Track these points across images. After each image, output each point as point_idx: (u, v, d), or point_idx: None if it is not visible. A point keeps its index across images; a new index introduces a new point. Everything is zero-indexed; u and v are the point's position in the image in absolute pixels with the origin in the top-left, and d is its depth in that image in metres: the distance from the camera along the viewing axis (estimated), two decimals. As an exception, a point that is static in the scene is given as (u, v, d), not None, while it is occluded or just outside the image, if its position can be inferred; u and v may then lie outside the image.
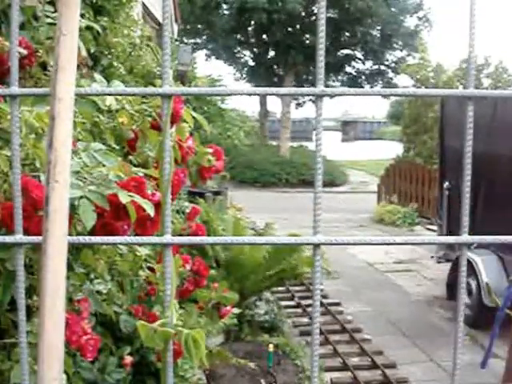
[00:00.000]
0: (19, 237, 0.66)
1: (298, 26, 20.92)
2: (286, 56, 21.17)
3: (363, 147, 39.30)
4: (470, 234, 0.68)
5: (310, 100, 24.29)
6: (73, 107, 0.62)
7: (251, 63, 23.98)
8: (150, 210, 1.31)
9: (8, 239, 0.68)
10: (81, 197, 1.27)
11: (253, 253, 5.88)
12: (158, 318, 0.70)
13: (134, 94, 1.60)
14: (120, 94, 1.60)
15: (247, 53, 23.83)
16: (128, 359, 2.20)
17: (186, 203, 5.02)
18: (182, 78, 7.57)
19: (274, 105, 60.25)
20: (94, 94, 1.48)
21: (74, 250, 1.58)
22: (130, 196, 1.30)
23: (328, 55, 17.63)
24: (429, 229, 11.91)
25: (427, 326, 6.89)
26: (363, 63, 23.29)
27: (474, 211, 6.49)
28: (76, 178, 1.32)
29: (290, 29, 20.83)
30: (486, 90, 0.68)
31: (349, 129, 55.21)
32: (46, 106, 1.41)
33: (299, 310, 7.23)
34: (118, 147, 1.74)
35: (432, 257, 8.31)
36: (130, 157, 1.83)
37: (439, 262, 8.05)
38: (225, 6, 21.21)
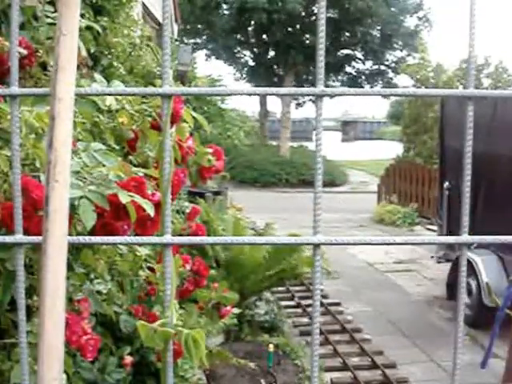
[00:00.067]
0: (19, 237, 0.66)
1: (298, 26, 20.92)
2: (285, 56, 21.17)
3: (363, 147, 39.29)
4: (469, 234, 0.68)
5: (310, 100, 24.29)
6: (73, 107, 0.62)
7: (251, 63, 23.98)
8: (150, 210, 1.31)
9: (8, 239, 0.68)
10: (81, 197, 1.27)
11: (253, 253, 5.88)
12: (158, 318, 0.70)
13: (133, 94, 1.60)
14: (120, 94, 1.60)
15: (247, 53, 23.83)
16: (128, 359, 2.20)
17: (186, 203, 5.01)
18: (182, 78, 7.57)
19: (274, 105, 60.27)
20: (94, 94, 1.48)
21: (74, 249, 1.58)
22: (130, 196, 1.30)
23: (328, 55, 17.63)
24: (429, 229, 11.91)
25: (427, 326, 6.89)
26: (363, 63, 23.30)
27: (474, 211, 6.49)
28: (76, 177, 1.32)
29: (290, 29, 20.83)
30: (486, 90, 0.68)
31: (349, 129, 55.21)
32: (46, 106, 1.41)
33: (299, 310, 7.23)
34: (118, 147, 1.74)
35: (432, 257, 8.31)
36: (130, 157, 1.83)
37: (439, 262, 8.05)
38: (225, 6, 21.21)
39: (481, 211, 6.61)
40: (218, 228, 6.14)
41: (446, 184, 7.73)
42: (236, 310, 2.99)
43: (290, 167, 19.95)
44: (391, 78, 22.93)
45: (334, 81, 23.41)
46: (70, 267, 1.54)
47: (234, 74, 24.64)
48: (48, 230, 0.61)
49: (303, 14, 20.33)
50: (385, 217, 13.29)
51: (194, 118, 1.63)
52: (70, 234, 0.65)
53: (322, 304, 6.94)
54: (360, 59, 23.20)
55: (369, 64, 23.31)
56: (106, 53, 3.95)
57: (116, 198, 1.29)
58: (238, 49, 23.60)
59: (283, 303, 7.30)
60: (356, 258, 9.91)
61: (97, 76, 1.74)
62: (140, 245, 1.95)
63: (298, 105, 25.20)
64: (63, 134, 0.61)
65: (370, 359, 5.80)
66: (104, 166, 1.40)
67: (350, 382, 5.42)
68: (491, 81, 14.89)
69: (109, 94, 1.60)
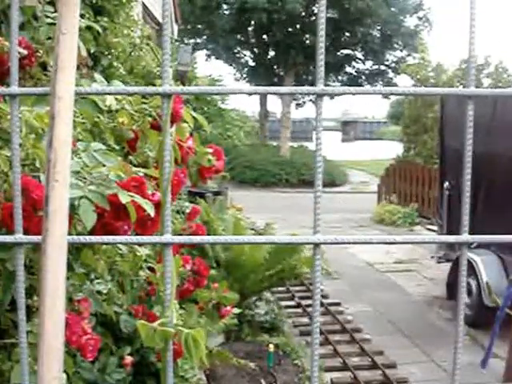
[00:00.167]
0: (19, 236, 0.66)
1: (298, 26, 20.92)
2: (286, 56, 21.17)
3: (363, 147, 39.30)
4: (469, 234, 0.68)
5: (310, 100, 24.30)
6: (72, 106, 0.62)
7: (251, 63, 23.99)
8: (150, 210, 1.31)
9: (8, 239, 0.67)
10: (81, 197, 1.27)
11: (253, 253, 5.88)
12: (158, 318, 0.70)
13: (134, 94, 1.60)
14: (120, 93, 1.60)
15: (247, 53, 23.83)
16: (128, 359, 2.20)
17: (186, 203, 5.01)
18: (182, 78, 7.56)
19: (274, 105, 60.26)
20: (94, 94, 1.48)
21: (75, 249, 1.58)
22: (130, 196, 1.30)
23: (328, 55, 17.63)
24: (429, 229, 11.91)
25: (427, 326, 6.88)
26: (363, 63, 23.31)
27: (474, 211, 6.49)
28: (76, 177, 1.32)
29: (290, 29, 20.83)
30: (485, 89, 0.68)
31: (349, 129, 55.22)
32: (45, 106, 1.41)
33: (299, 310, 7.23)
34: (118, 147, 1.74)
35: (432, 257, 8.31)
36: (130, 157, 1.83)
37: (439, 262, 8.05)
38: (225, 6, 21.21)
39: (481, 211, 6.61)
40: (218, 228, 6.14)
41: (446, 184, 7.73)
42: (236, 310, 2.99)
43: (290, 167, 19.95)
44: (391, 78, 22.93)
45: (334, 81, 23.41)
46: (70, 267, 1.54)
47: (234, 74, 24.67)
48: (48, 230, 0.61)
49: (303, 14, 20.33)
50: (385, 217, 13.29)
51: (194, 118, 1.63)
52: (70, 234, 0.65)
53: (322, 304, 6.94)
54: (360, 59, 23.20)
55: (369, 64, 23.33)
56: (106, 53, 3.95)
57: (116, 198, 1.29)
58: (238, 49, 23.61)
59: (283, 303, 7.30)
60: (356, 257, 9.91)
61: (97, 76, 1.74)
62: (140, 244, 1.95)
63: (298, 105, 25.20)
64: (63, 134, 0.61)
65: (370, 359, 5.80)
66: (104, 166, 1.40)
67: (350, 382, 5.42)
68: (491, 81, 14.89)
69: (109, 94, 1.60)
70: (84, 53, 2.06)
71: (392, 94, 0.72)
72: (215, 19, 20.75)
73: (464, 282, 0.68)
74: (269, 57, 22.82)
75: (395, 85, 22.24)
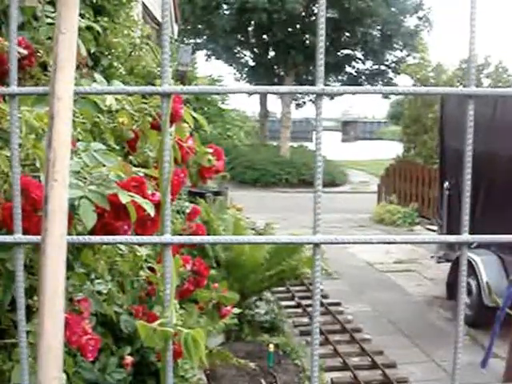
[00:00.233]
0: (18, 236, 0.66)
1: (298, 26, 20.91)
2: (286, 56, 21.17)
3: (363, 147, 39.30)
4: (470, 234, 0.68)
5: (310, 100, 24.29)
6: (72, 106, 0.62)
7: (251, 63, 23.98)
8: (151, 210, 1.31)
9: (8, 239, 0.67)
10: (81, 197, 1.27)
11: (253, 253, 5.88)
12: (158, 318, 0.69)
13: (133, 93, 1.60)
14: (120, 93, 1.60)
15: (247, 53, 23.82)
16: (128, 359, 2.20)
17: (186, 203, 5.01)
18: (182, 78, 7.57)
19: (274, 105, 60.24)
20: (94, 93, 1.48)
21: (75, 249, 1.58)
22: (131, 196, 1.30)
23: (328, 55, 17.62)
24: (429, 229, 11.90)
25: (427, 326, 6.88)
26: (363, 63, 23.29)
27: (474, 211, 6.49)
28: (76, 178, 1.32)
29: (290, 29, 20.82)
30: (486, 89, 0.68)
31: (349, 129, 55.22)
32: (45, 106, 1.40)
33: (299, 310, 7.23)
34: (118, 147, 1.74)
35: (432, 257, 8.31)
36: (130, 157, 1.83)
37: (439, 262, 8.05)
38: (225, 7, 21.20)
39: (480, 211, 6.61)
40: (219, 228, 6.14)
41: (446, 184, 7.73)
42: (236, 310, 2.99)
43: (290, 167, 19.95)
44: (391, 78, 22.92)
45: (334, 81, 23.41)
46: (70, 267, 1.54)
47: (235, 74, 24.66)
48: (47, 230, 0.60)
49: (303, 13, 20.32)
50: (385, 217, 13.29)
51: (194, 118, 1.63)
52: (70, 234, 0.65)
53: (322, 304, 6.94)
54: (360, 59, 23.19)
55: (369, 64, 23.32)
56: (106, 53, 3.95)
57: (116, 198, 1.29)
58: (239, 49, 23.60)
59: (283, 303, 7.30)
60: (356, 257, 9.91)
61: (97, 76, 1.74)
62: (140, 244, 1.95)
63: (298, 105, 25.19)
64: (62, 133, 0.61)
65: (370, 359, 5.80)
66: (104, 166, 1.40)
67: (350, 382, 5.42)
68: (491, 81, 14.89)
69: (109, 93, 1.60)
70: (84, 53, 2.06)
71: (392, 93, 0.71)
72: (215, 19, 20.74)
73: (464, 282, 0.68)
74: (269, 57, 22.82)
75: (395, 85, 22.24)
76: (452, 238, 0.69)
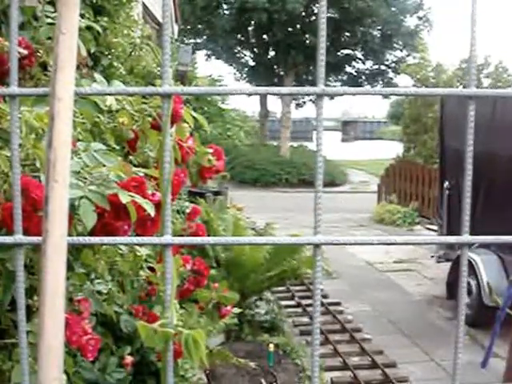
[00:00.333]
0: (18, 237, 0.66)
1: (298, 26, 20.91)
2: (286, 56, 21.17)
3: (363, 147, 39.30)
4: (470, 234, 0.68)
5: (310, 100, 24.30)
6: (72, 107, 0.62)
7: (251, 63, 23.98)
8: (151, 210, 1.31)
9: (8, 239, 0.67)
10: (81, 197, 1.27)
11: (253, 253, 5.88)
12: (158, 318, 0.69)
13: (134, 94, 1.60)
14: (120, 94, 1.60)
15: (247, 53, 23.83)
16: (128, 359, 2.20)
17: (186, 203, 5.01)
18: (182, 78, 7.57)
19: (275, 105, 60.25)
20: (95, 94, 1.48)
21: (75, 250, 1.58)
22: (131, 196, 1.30)
23: (328, 55, 17.58)
24: (429, 228, 11.91)
25: (427, 326, 6.89)
26: (363, 63, 23.30)
27: (474, 211, 6.49)
28: (76, 178, 1.32)
29: (290, 29, 20.82)
30: (487, 89, 0.68)
31: (349, 129, 55.22)
32: (45, 107, 1.40)
33: (299, 310, 7.23)
34: (118, 147, 1.74)
35: (432, 256, 8.31)
36: (131, 157, 1.83)
37: (439, 262, 8.05)
38: (225, 6, 21.20)
39: (481, 211, 6.61)
40: (219, 228, 6.14)
41: (446, 184, 7.73)
42: (236, 310, 2.99)
43: (290, 167, 19.96)
44: (391, 78, 22.92)
45: (334, 81, 23.41)
46: (70, 267, 1.54)
47: (235, 74, 24.66)
48: (47, 231, 0.60)
49: (303, 13, 20.32)
50: (385, 216, 13.29)
51: (194, 118, 1.63)
52: (70, 234, 0.65)
53: (322, 304, 6.94)
54: (360, 59, 23.20)
55: (369, 64, 23.32)
56: (106, 53, 3.95)
57: (116, 198, 1.29)
58: (239, 49, 23.60)
59: (283, 303, 7.30)
60: (356, 257, 9.91)
61: (97, 76, 1.74)
62: (140, 245, 1.95)
63: (298, 105, 25.20)
64: (63, 134, 0.61)
65: (370, 359, 5.80)
66: (104, 166, 1.40)
67: (350, 382, 5.42)
68: (491, 81, 14.89)
69: (109, 94, 1.60)
70: (84, 53, 2.06)
71: (393, 94, 0.71)
72: (215, 19, 20.74)
73: (465, 282, 0.68)
74: (269, 57, 22.82)
75: (395, 85, 22.25)
76: (452, 239, 0.69)
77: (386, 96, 22.71)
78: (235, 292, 2.79)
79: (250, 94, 0.77)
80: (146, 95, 1.62)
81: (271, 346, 5.20)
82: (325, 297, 7.51)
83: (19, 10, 1.88)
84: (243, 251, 5.85)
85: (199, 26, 21.98)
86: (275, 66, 22.92)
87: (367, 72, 23.44)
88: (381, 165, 17.36)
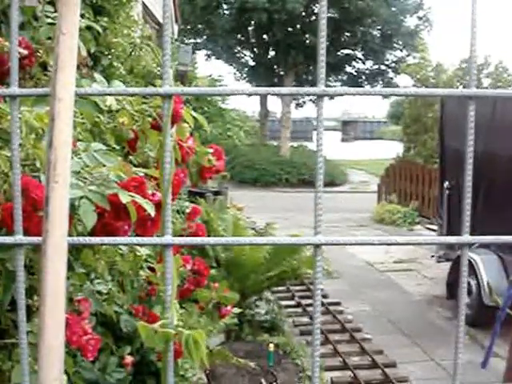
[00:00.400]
0: (19, 237, 0.66)
1: (298, 26, 20.91)
2: (286, 56, 21.16)
3: (363, 147, 39.30)
4: (470, 234, 0.68)
5: (310, 100, 24.29)
6: (73, 107, 0.62)
7: (251, 63, 23.98)
8: (151, 210, 1.31)
9: (8, 240, 0.67)
10: (81, 197, 1.27)
11: (253, 253, 5.88)
12: (158, 318, 0.69)
13: (134, 94, 1.60)
14: (121, 94, 1.60)
15: (247, 53, 23.83)
16: (128, 359, 2.20)
17: (186, 203, 5.01)
18: (182, 78, 7.57)
19: (275, 105, 60.25)
20: (95, 94, 1.48)
21: (75, 250, 1.58)
22: (131, 196, 1.30)
23: (328, 55, 17.51)
24: (429, 228, 11.91)
25: (427, 326, 6.89)
26: (363, 63, 23.30)
27: (474, 211, 6.48)
28: (76, 178, 1.32)
29: (290, 29, 20.82)
30: (487, 90, 0.68)
31: (349, 128, 55.21)
32: (45, 107, 1.40)
33: (299, 310, 7.23)
34: (118, 147, 1.74)
35: (432, 256, 8.31)
36: (131, 157, 1.83)
37: (439, 262, 8.06)
38: (225, 6, 21.20)
39: (480, 211, 6.61)
40: (219, 228, 6.14)
41: (446, 183, 7.73)
42: (236, 310, 2.99)
43: (290, 167, 19.96)
44: (391, 78, 22.92)
45: (334, 81, 23.41)
46: (70, 267, 1.54)
47: (235, 74, 24.66)
48: (48, 231, 0.60)
49: (303, 13, 20.32)
50: (385, 216, 13.29)
51: (194, 117, 1.63)
52: (70, 234, 0.65)
53: (322, 304, 6.91)
54: (360, 59, 23.19)
55: (369, 64, 23.32)
56: (106, 53, 3.95)
57: (116, 198, 1.29)
58: (239, 49, 23.60)
59: (283, 303, 7.30)
60: (356, 257, 9.91)
61: (97, 76, 1.73)
62: (140, 245, 1.95)
63: (298, 105, 25.19)
64: (63, 134, 0.61)
65: (370, 358, 5.80)
66: (104, 166, 1.40)
67: (350, 381, 5.42)
68: (491, 80, 14.89)
69: (109, 94, 1.60)
70: (84, 53, 2.06)
71: (393, 94, 0.71)
72: (215, 19, 20.74)
73: (465, 282, 0.68)
74: (269, 57, 22.82)
75: (395, 85, 22.24)
76: (453, 239, 0.69)
77: (386, 96, 22.70)
78: (235, 292, 2.79)
79: (250, 94, 0.77)
80: (146, 95, 1.62)
81: (271, 345, 5.20)
82: (325, 297, 7.51)
83: (19, 10, 1.88)
84: (243, 251, 5.85)
85: (199, 26, 21.98)
86: (275, 66, 22.92)
87: (367, 72, 23.44)
88: (381, 165, 17.36)
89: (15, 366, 1.48)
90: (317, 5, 19.84)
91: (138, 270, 2.17)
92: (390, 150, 21.19)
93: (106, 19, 3.75)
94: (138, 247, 2.04)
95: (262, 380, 4.94)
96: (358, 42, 21.73)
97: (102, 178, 1.35)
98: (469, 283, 6.60)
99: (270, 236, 6.65)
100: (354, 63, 23.42)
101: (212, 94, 0.75)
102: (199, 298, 2.58)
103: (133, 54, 4.65)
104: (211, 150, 1.72)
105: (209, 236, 4.57)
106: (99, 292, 1.97)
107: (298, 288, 7.79)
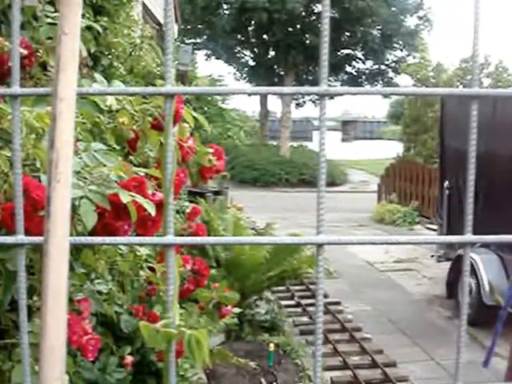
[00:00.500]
0: (20, 237, 0.66)
1: (298, 26, 20.92)
2: (286, 56, 21.17)
3: (363, 147, 39.30)
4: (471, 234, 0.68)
5: (310, 100, 24.29)
6: (74, 107, 0.61)
7: (251, 63, 23.98)
8: (151, 210, 1.31)
9: (9, 240, 0.67)
10: (81, 197, 1.27)
11: (253, 253, 5.88)
12: (158, 318, 0.69)
13: (135, 94, 1.60)
14: (121, 94, 1.60)
15: (247, 53, 23.83)
16: (129, 359, 2.20)
17: (187, 203, 5.01)
18: (182, 78, 7.57)
19: (275, 105, 60.23)
20: (96, 94, 1.48)
21: (75, 250, 1.58)
22: (131, 196, 1.30)
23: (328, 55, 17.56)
24: (429, 228, 11.91)
25: (427, 325, 6.89)
26: (363, 63, 23.31)
27: (474, 210, 6.47)
28: (77, 178, 1.32)
29: (290, 29, 20.83)
30: (489, 89, 0.68)
31: (349, 128, 55.22)
32: (46, 107, 1.40)
33: (299, 310, 7.23)
34: (118, 147, 1.74)
35: (432, 256, 8.31)
36: (131, 157, 1.83)
37: (439, 261, 8.06)
38: (225, 6, 21.20)
39: (481, 210, 6.60)
40: (219, 228, 6.14)
41: (446, 183, 7.73)
42: (236, 310, 2.99)
43: (290, 167, 19.96)
44: (391, 78, 22.93)
45: (334, 80, 23.41)
46: (70, 267, 1.54)
47: (235, 74, 24.67)
48: (49, 231, 0.60)
49: (304, 13, 20.32)
50: (385, 216, 13.29)
51: (194, 117, 1.62)
52: (70, 234, 0.65)
53: (322, 303, 6.92)
54: (360, 59, 23.20)
55: (369, 64, 23.33)
56: (107, 53, 3.95)
57: (117, 198, 1.29)
58: (239, 49, 23.60)
59: (283, 302, 7.30)
60: (356, 257, 9.91)
61: (97, 76, 1.73)
62: (141, 245, 1.95)
63: (298, 105, 25.19)
64: (65, 134, 0.60)
65: (370, 358, 5.80)
66: (105, 165, 1.40)
67: (350, 381, 5.42)
68: (491, 80, 14.90)
69: (110, 94, 1.60)
70: (84, 53, 2.06)
71: (393, 94, 0.71)
72: (215, 19, 20.74)
73: (467, 282, 0.68)
74: (269, 57, 22.82)
75: (395, 84, 22.25)
76: (455, 239, 0.69)
77: (386, 96, 22.72)
78: (235, 292, 2.79)
79: (250, 94, 0.77)
80: (147, 95, 1.62)
81: (271, 345, 5.20)
82: (325, 296, 7.50)
83: (19, 10, 1.88)
84: (243, 251, 5.85)
85: (199, 26, 21.98)
86: (275, 66, 22.92)
87: (367, 72, 23.45)
88: (381, 165, 17.36)
89: (15, 366, 1.48)
90: (317, 5, 19.85)
91: (138, 270, 2.17)
92: (390, 149, 21.20)
93: (105, 19, 3.75)
94: (138, 247, 2.04)
95: (262, 380, 4.94)
96: (358, 42, 21.74)
97: (102, 178, 1.35)
98: (469, 283, 6.60)
99: (270, 236, 6.65)
100: (354, 63, 23.43)
101: (213, 94, 0.75)
102: (199, 297, 2.58)
103: (133, 54, 4.65)
104: (211, 150, 1.71)
105: (209, 236, 4.57)
106: (99, 292, 1.97)
107: (297, 288, 7.79)
